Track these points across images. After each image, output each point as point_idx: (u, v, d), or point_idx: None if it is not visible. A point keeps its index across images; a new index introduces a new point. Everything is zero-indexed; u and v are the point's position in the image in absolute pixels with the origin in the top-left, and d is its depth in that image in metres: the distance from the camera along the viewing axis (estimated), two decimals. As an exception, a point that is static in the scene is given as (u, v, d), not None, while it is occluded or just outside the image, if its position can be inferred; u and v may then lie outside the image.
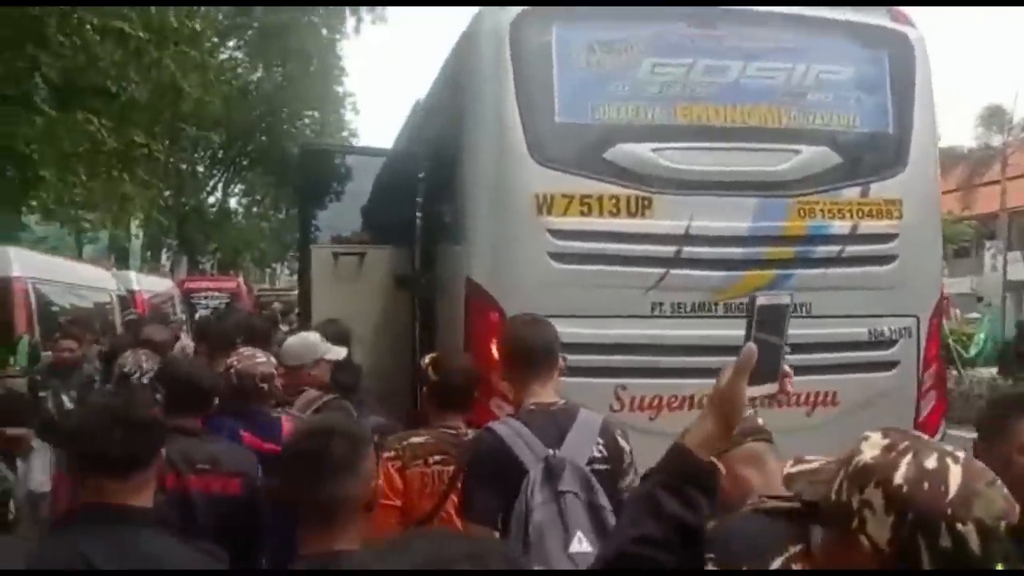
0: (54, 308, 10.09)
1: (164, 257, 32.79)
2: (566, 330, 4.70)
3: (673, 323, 4.83)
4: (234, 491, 3.05)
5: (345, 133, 38.90)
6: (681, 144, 4.87)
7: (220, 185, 36.00)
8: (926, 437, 1.48)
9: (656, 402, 4.81)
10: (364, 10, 26.42)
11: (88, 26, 9.76)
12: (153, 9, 10.54)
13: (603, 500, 2.69)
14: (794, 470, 1.59)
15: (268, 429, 3.65)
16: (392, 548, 1.05)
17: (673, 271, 4.81)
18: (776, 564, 1.62)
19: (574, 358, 4.72)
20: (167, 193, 25.71)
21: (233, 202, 38.25)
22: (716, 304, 4.86)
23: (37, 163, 10.75)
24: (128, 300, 13.52)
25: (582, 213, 4.78)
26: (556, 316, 4.68)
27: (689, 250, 4.81)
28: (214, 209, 35.02)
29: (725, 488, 1.97)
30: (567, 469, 2.69)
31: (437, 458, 3.27)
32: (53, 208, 12.13)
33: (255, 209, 39.43)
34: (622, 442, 2.94)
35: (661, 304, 4.82)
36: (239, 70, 31.16)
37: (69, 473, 2.24)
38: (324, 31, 30.42)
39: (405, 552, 1.01)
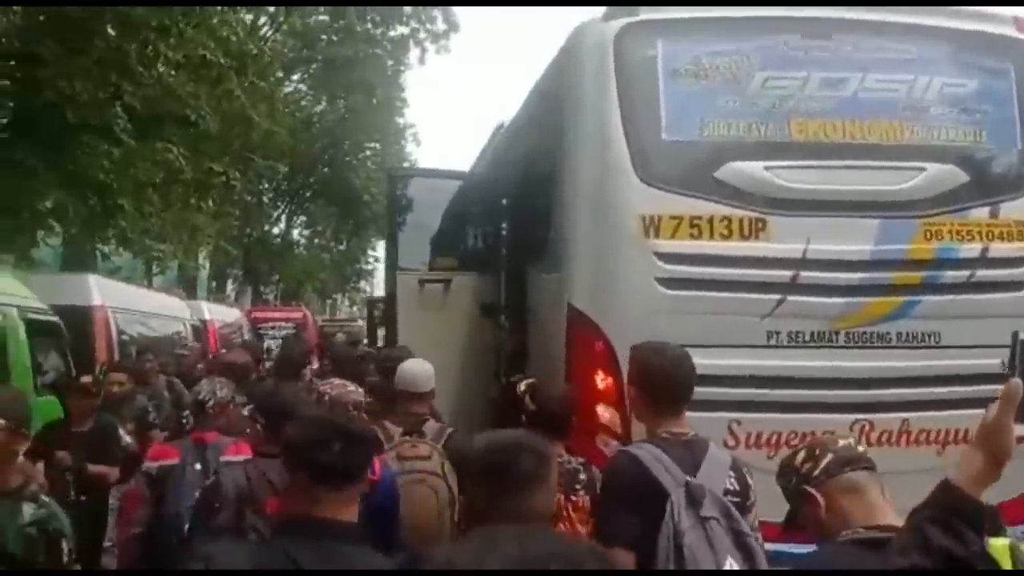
0: (130, 337, 10.09)
1: (229, 287, 33.15)
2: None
3: (790, 353, 4.50)
4: None
5: (406, 163, 39.14)
6: (796, 162, 4.57)
7: (284, 216, 36.38)
8: None
9: (775, 439, 4.47)
10: (428, 41, 26.62)
11: (166, 56, 9.87)
12: (232, 36, 10.64)
13: (745, 527, 2.67)
14: None
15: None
16: (480, 545, 1.04)
17: (790, 298, 4.49)
18: None
19: (683, 390, 4.46)
20: (234, 223, 26.01)
21: (295, 233, 38.64)
22: (836, 333, 4.52)
23: (116, 192, 10.83)
24: (200, 330, 13.56)
25: (691, 236, 4.51)
26: (662, 346, 4.52)
27: (807, 275, 4.49)
28: (278, 240, 35.38)
29: (822, 518, 2.04)
30: (707, 496, 2.67)
31: None
32: (130, 237, 12.20)
33: (316, 240, 39.79)
34: (749, 479, 2.92)
35: (777, 333, 4.50)
36: (303, 102, 31.58)
37: (289, 482, 2.24)
38: (389, 63, 30.58)
39: (493, 550, 1.01)
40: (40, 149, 9.41)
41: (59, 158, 9.94)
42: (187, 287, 23.77)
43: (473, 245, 6.71)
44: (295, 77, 30.80)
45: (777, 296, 4.49)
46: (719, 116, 4.57)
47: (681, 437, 2.89)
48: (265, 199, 31.56)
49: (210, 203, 14.84)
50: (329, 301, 48.31)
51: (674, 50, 4.63)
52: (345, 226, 38.67)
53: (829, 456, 2.12)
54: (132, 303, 10.51)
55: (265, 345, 18.34)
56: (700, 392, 4.43)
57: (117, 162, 10.80)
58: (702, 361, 4.44)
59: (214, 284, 30.83)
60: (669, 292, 4.48)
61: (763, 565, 2.69)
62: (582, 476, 3.49)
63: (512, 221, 6.40)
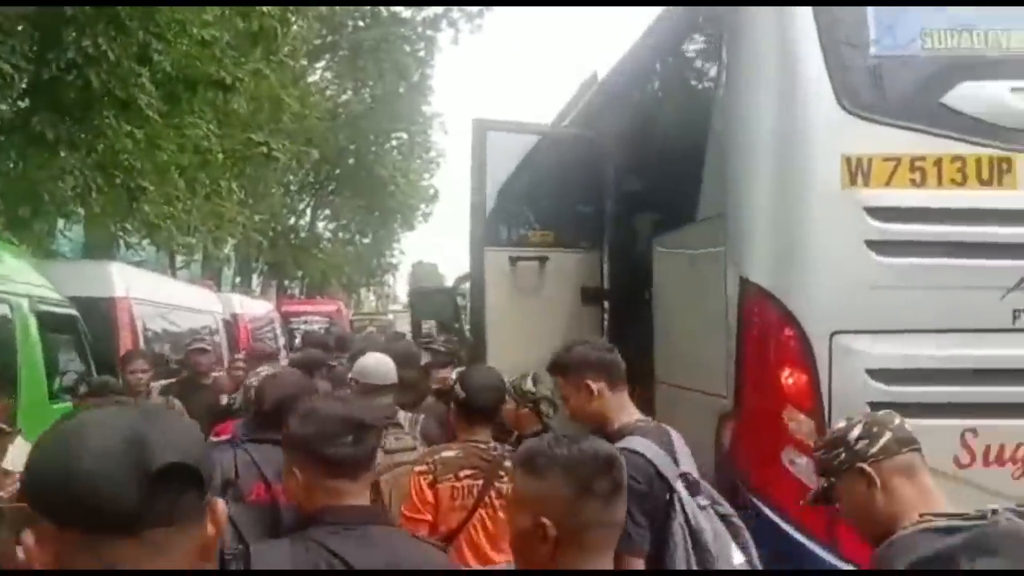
0: (156, 333, 9.05)
1: (254, 282, 32.17)
2: (891, 350, 3.38)
3: (1045, 338, 3.37)
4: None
5: (432, 154, 38.30)
6: (1054, 82, 3.43)
7: (308, 210, 35.52)
8: None
9: (1022, 453, 3.34)
10: (462, 20, 25.49)
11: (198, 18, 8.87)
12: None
13: (728, 508, 2.63)
14: None
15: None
16: None
17: (1044, 264, 3.36)
18: None
19: (900, 390, 3.34)
20: (257, 218, 25.08)
21: (320, 226, 37.81)
22: (1107, 310, 3.38)
23: (139, 174, 9.80)
24: (231, 324, 12.51)
25: (913, 183, 3.38)
26: (877, 332, 3.39)
27: (1067, 233, 3.36)
28: (303, 234, 34.50)
29: (877, 500, 1.98)
30: (700, 483, 2.64)
31: (467, 472, 3.26)
32: (155, 223, 11.15)
33: (341, 234, 39.00)
34: None
35: (1026, 312, 3.37)
36: (328, 91, 30.62)
37: (301, 476, 2.12)
38: (419, 45, 29.56)
39: None
40: (61, 121, 8.35)
41: (82, 132, 8.89)
42: (212, 281, 22.77)
43: (572, 216, 5.57)
44: (319, 65, 29.79)
45: (1027, 263, 3.36)
46: (947, 25, 3.43)
47: (649, 423, 2.81)
48: (292, 189, 30.45)
49: (240, 191, 13.92)
50: (354, 296, 47.38)
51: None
52: (370, 219, 37.94)
53: (888, 435, 2.03)
54: (159, 295, 9.41)
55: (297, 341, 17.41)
56: (923, 392, 3.38)
57: (142, 142, 9.78)
58: (927, 351, 3.39)
59: (238, 279, 29.80)
60: (884, 260, 3.36)
61: (752, 544, 2.58)
62: (507, 464, 3.14)
63: (626, 187, 5.30)
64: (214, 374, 7.08)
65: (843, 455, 2.05)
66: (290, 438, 2.17)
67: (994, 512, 1.82)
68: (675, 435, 2.76)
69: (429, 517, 3.17)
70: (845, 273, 3.35)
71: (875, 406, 3.28)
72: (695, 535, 2.47)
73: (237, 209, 15.82)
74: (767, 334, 3.44)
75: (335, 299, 26.94)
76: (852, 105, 3.38)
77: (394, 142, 35.19)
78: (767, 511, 3.30)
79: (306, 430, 2.13)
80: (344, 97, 32.19)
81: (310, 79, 27.03)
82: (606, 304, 5.52)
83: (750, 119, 3.57)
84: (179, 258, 19.47)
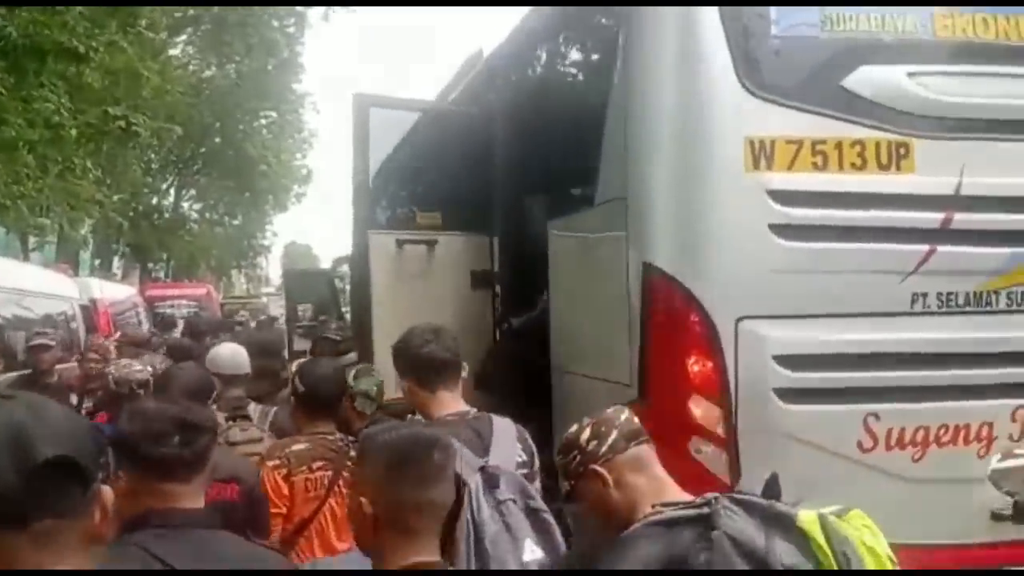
0: (7, 320, 8.33)
1: (115, 265, 30.50)
2: (796, 334, 3.34)
3: (941, 322, 3.41)
4: (231, 496, 2.99)
5: (304, 134, 37.35)
6: (949, 67, 3.45)
7: (172, 189, 33.97)
8: None
9: (921, 436, 3.37)
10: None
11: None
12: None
13: (540, 503, 2.60)
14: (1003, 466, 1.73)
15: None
16: None
17: (940, 248, 3.38)
18: None
19: (804, 375, 3.32)
20: (116, 198, 23.72)
21: (186, 207, 36.29)
22: (997, 294, 3.44)
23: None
24: (91, 310, 11.68)
25: (815, 166, 3.33)
26: (781, 317, 3.35)
27: (962, 217, 3.39)
28: (167, 215, 32.97)
29: (612, 497, 2.06)
30: (502, 477, 2.59)
31: (319, 464, 3.34)
32: (2, 202, 10.26)
33: (209, 215, 37.56)
34: (531, 444, 2.87)
35: (924, 295, 3.39)
36: (191, 66, 29.23)
37: (125, 477, 1.96)
38: (288, 23, 28.57)
39: None
40: None
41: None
42: (69, 265, 21.33)
43: (460, 197, 5.36)
44: (181, 39, 28.35)
45: (924, 247, 3.38)
46: (848, 7, 3.39)
47: (465, 416, 2.80)
48: (153, 167, 28.92)
49: (97, 169, 13.00)
50: (224, 279, 45.72)
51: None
52: (240, 199, 36.69)
53: (615, 433, 2.10)
54: (6, 280, 8.66)
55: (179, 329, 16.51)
56: (827, 378, 3.36)
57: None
58: (828, 336, 3.37)
59: (98, 262, 28.13)
60: (788, 244, 3.30)
61: (559, 540, 2.55)
62: (352, 453, 3.09)
63: (517, 169, 5.13)
64: (66, 364, 6.54)
65: (577, 458, 2.13)
66: (117, 438, 2.03)
67: (716, 499, 1.92)
68: (502, 426, 2.79)
69: (284, 510, 3.27)
70: (750, 257, 3.28)
71: (781, 392, 3.26)
72: (477, 529, 2.48)
73: (94, 188, 14.81)
74: (672, 320, 3.34)
75: (204, 282, 25.78)
76: (754, 86, 3.30)
77: (263, 121, 34.07)
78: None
79: (132, 429, 2.01)
80: (208, 73, 30.80)
81: (171, 52, 25.74)
82: (497, 289, 5.35)
83: (651, 99, 3.45)
84: (32, 240, 18.14)
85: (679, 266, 3.32)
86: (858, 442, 3.32)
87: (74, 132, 10.37)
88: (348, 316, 10.07)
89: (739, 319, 3.25)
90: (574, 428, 2.18)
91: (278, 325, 13.45)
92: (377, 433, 1.89)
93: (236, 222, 39.11)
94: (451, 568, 1.93)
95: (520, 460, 2.76)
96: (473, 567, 2.42)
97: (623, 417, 2.15)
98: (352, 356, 5.46)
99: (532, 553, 2.50)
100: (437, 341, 2.88)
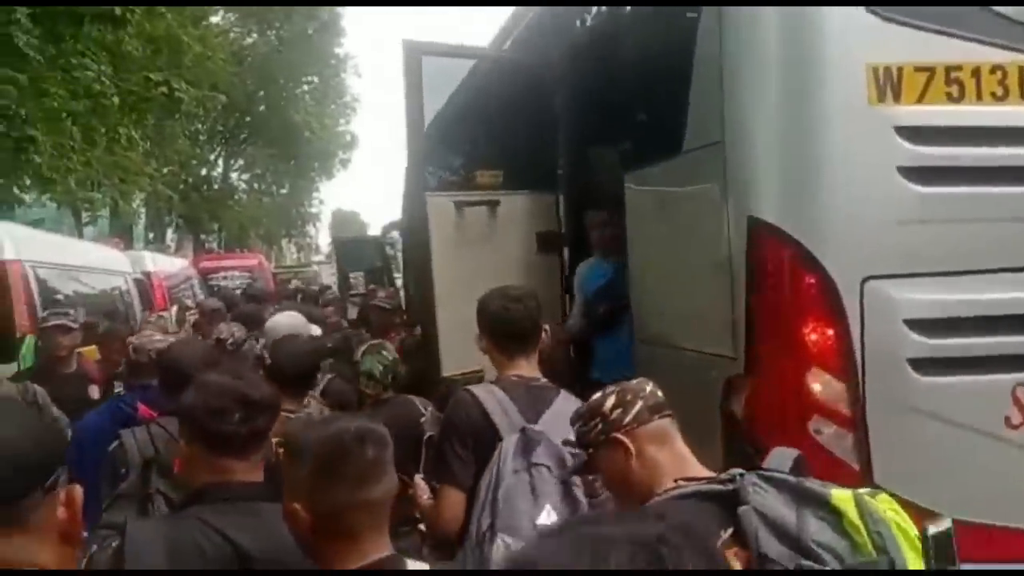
0: (61, 297, 8.13)
1: (168, 237, 30.65)
2: (931, 295, 2.87)
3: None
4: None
5: (347, 98, 37.08)
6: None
7: (220, 160, 34.02)
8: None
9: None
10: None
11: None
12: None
13: (569, 476, 2.54)
14: None
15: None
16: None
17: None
18: None
19: (942, 342, 2.86)
20: (166, 170, 23.69)
21: (234, 177, 36.37)
22: None
23: (25, 122, 8.75)
24: (145, 283, 11.53)
25: (949, 97, 2.85)
26: (914, 275, 2.88)
27: None
28: (216, 186, 33.06)
29: (633, 469, 2.01)
30: (543, 443, 2.60)
31: (276, 440, 3.14)
32: (48, 176, 10.09)
33: (257, 185, 37.63)
34: None
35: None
36: (231, 33, 29.07)
37: (187, 451, 2.06)
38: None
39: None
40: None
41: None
42: (122, 239, 21.37)
43: (522, 153, 4.93)
44: (220, 7, 28.14)
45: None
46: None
47: (531, 382, 2.82)
48: (200, 138, 28.89)
49: (144, 141, 12.81)
50: (275, 248, 45.92)
51: None
52: (286, 167, 36.64)
53: (640, 403, 2.06)
54: (58, 256, 8.45)
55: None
56: (969, 345, 2.90)
57: (25, 87, 8.72)
58: (971, 296, 2.90)
59: (151, 235, 28.27)
60: (919, 189, 2.83)
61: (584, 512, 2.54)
62: None
63: (583, 119, 4.68)
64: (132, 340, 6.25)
65: (599, 426, 2.07)
66: (180, 410, 2.12)
67: (741, 476, 1.84)
68: (564, 399, 2.76)
69: None
70: (875, 206, 2.83)
71: (915, 362, 2.82)
72: (497, 484, 2.53)
73: (142, 160, 14.66)
74: (784, 283, 2.89)
75: (256, 252, 25.68)
76: (877, 4, 2.81)
77: (306, 87, 33.94)
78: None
79: (195, 403, 2.07)
80: (249, 40, 30.70)
81: (212, 19, 25.52)
82: (565, 252, 4.95)
83: (752, 25, 2.98)
84: (84, 215, 18.12)
85: (791, 219, 2.87)
86: (1006, 417, 2.86)
87: (116, 100, 10.13)
88: (400, 283, 9.79)
89: (864, 279, 2.81)
90: (597, 395, 2.12)
91: (331, 293, 13.20)
92: (301, 432, 1.79)
93: (284, 191, 39.17)
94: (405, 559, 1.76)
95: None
96: (485, 520, 2.50)
97: (648, 389, 2.10)
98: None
99: (548, 516, 2.51)
100: (520, 305, 2.81)
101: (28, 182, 10.61)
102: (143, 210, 23.40)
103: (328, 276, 28.49)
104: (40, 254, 7.78)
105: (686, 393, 2.72)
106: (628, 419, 2.02)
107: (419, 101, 4.43)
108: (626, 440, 2.01)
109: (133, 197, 17.70)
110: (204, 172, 32.29)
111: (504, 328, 2.80)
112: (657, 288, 3.76)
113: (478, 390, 2.76)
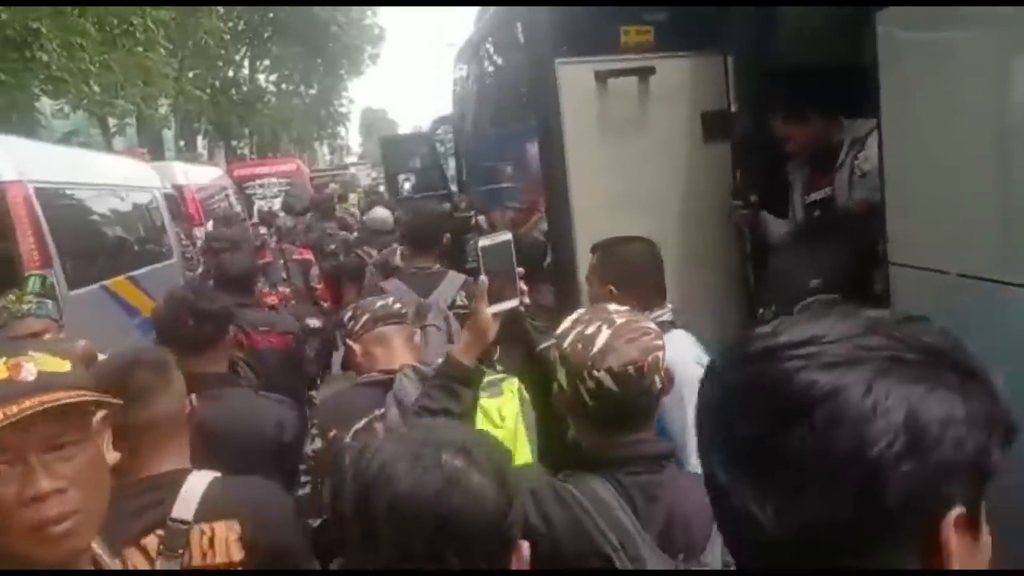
0: (80, 223, 6.93)
1: (200, 145, 29.41)
2: None
3: None
4: (287, 344, 3.83)
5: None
6: None
7: (247, 61, 32.54)
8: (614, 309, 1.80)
9: None
10: None
11: None
12: None
13: (457, 327, 3.22)
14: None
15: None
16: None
17: None
18: (359, 425, 2.22)
19: None
20: (191, 74, 22.25)
21: (261, 79, 34.97)
22: None
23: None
24: (177, 198, 10.28)
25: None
26: None
27: None
28: (245, 88, 31.67)
29: (360, 363, 2.50)
30: (432, 309, 3.37)
31: None
32: (59, 75, 8.80)
33: (285, 86, 36.27)
34: None
35: None
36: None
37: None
38: None
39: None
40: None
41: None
42: (152, 149, 20.06)
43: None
44: None
45: None
46: None
47: (425, 270, 3.73)
48: (225, 38, 27.29)
49: (166, 40, 11.48)
50: (307, 151, 44.62)
51: None
52: (314, 66, 35.15)
53: (366, 315, 2.52)
54: (69, 174, 7.16)
55: (256, 208, 15.14)
56: None
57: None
58: None
59: (182, 143, 27.00)
60: None
61: None
62: None
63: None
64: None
65: (340, 333, 2.88)
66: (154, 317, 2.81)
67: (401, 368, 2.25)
68: (451, 276, 3.71)
69: None
70: None
71: None
72: None
73: (165, 60, 13.30)
74: None
75: (292, 157, 24.34)
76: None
77: (327, -23, 32.05)
78: None
79: (159, 314, 2.78)
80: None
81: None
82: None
83: None
84: (112, 123, 16.81)
85: None
86: None
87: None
88: (454, 187, 8.64)
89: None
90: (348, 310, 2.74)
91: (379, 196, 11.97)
92: (103, 361, 2.03)
93: (312, 91, 37.78)
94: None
95: (459, 303, 3.52)
96: None
97: (379, 303, 2.57)
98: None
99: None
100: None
101: (40, 84, 9.31)
102: (172, 117, 22.04)
103: (365, 178, 27.17)
104: (48, 173, 6.51)
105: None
106: (357, 327, 2.51)
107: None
108: (353, 344, 2.52)
109: (159, 103, 16.35)
110: (231, 74, 30.83)
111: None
112: (927, 193, 2.40)
113: (385, 284, 3.74)
